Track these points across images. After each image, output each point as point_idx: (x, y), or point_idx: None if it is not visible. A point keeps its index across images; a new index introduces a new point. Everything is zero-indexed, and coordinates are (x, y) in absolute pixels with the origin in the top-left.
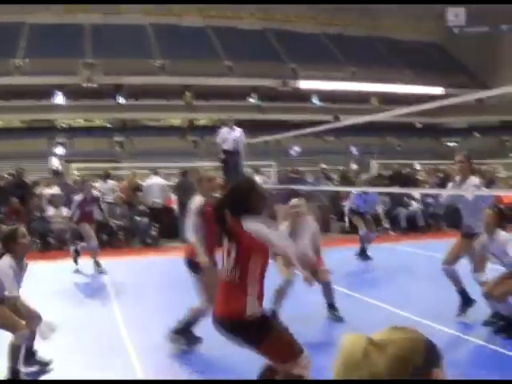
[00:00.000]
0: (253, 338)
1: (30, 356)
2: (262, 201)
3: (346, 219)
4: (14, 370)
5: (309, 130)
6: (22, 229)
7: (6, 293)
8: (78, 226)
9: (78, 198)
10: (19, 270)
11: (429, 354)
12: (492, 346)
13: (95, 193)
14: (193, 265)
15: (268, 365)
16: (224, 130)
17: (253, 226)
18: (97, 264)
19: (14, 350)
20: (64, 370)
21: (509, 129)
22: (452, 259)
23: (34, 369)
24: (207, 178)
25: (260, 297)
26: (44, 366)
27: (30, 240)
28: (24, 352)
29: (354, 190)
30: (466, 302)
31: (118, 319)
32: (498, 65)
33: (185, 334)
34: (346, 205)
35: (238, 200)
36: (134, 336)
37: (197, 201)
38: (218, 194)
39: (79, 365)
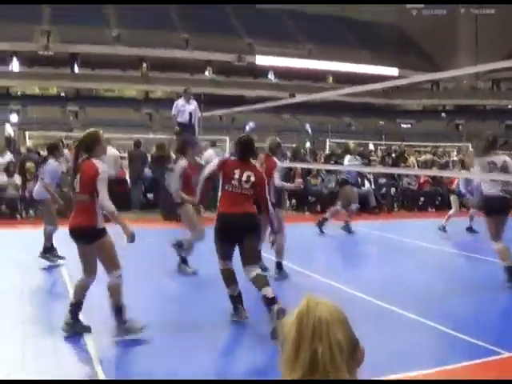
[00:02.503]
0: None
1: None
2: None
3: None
4: None
5: (260, 105)
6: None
7: None
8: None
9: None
10: None
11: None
12: (440, 327)
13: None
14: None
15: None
16: (179, 103)
17: None
18: None
19: None
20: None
21: (463, 113)
22: None
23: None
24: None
25: None
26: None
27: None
28: None
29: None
30: None
31: (68, 288)
32: (455, 48)
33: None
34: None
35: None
36: (84, 305)
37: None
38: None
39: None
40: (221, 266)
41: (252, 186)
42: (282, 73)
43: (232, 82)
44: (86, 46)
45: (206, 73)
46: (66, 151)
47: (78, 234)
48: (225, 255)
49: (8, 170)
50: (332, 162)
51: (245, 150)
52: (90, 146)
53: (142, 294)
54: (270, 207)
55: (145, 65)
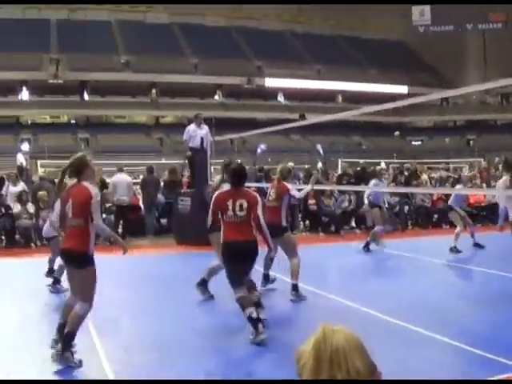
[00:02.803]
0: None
1: None
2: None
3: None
4: None
5: (274, 128)
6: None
7: None
8: None
9: None
10: None
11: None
12: (457, 343)
13: None
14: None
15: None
16: (191, 128)
17: None
18: None
19: None
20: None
21: (474, 128)
22: None
23: None
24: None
25: None
26: None
27: None
28: None
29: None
30: None
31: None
32: (463, 64)
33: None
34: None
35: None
36: (103, 336)
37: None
38: None
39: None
40: (236, 295)
41: (247, 212)
42: (292, 94)
43: (242, 105)
44: (95, 73)
45: (216, 97)
46: None
47: (69, 257)
48: (236, 282)
49: (21, 198)
50: (344, 181)
51: (236, 178)
52: (79, 170)
53: (158, 316)
54: (263, 223)
55: (154, 90)
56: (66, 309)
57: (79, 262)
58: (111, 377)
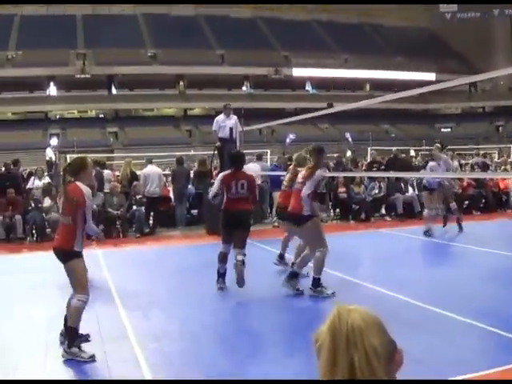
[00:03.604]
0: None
1: None
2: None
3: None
4: None
5: (303, 116)
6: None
7: None
8: None
9: None
10: None
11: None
12: (482, 325)
13: None
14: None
15: None
16: (219, 118)
17: None
18: None
19: None
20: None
21: (502, 114)
22: None
23: None
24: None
25: None
26: None
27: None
28: None
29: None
30: None
31: (119, 308)
32: (490, 49)
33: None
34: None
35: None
36: (135, 325)
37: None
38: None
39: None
40: (221, 249)
41: (247, 190)
42: (319, 83)
43: (270, 95)
44: (122, 67)
45: (244, 87)
46: (108, 171)
47: (56, 254)
48: (225, 240)
49: (50, 193)
50: (374, 169)
51: (236, 162)
52: (76, 171)
53: (189, 306)
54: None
55: (182, 83)
56: (68, 304)
57: (63, 258)
58: (143, 364)
